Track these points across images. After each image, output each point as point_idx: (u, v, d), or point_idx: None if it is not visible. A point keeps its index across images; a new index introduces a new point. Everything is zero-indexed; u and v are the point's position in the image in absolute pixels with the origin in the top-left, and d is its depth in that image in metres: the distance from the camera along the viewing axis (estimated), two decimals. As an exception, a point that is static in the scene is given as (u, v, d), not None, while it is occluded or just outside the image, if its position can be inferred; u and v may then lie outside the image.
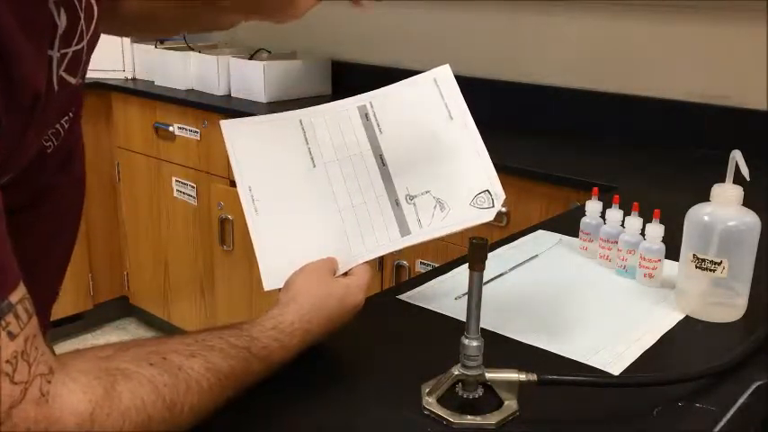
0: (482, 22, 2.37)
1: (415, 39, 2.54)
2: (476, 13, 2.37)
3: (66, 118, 0.69)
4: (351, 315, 0.80)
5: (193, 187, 2.59)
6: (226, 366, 0.65)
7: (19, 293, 0.51)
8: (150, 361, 0.59)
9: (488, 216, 0.82)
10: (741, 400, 0.75)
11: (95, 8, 0.69)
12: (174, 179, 2.66)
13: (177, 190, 2.65)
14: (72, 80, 0.66)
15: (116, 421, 0.54)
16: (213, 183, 2.50)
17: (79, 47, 0.66)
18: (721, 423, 0.71)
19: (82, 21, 0.65)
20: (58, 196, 0.73)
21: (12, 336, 0.49)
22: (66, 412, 0.52)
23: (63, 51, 0.63)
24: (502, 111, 2.29)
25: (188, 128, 2.56)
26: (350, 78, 2.67)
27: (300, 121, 0.90)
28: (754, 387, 0.77)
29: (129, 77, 2.88)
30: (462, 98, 0.89)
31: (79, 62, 0.67)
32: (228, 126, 0.89)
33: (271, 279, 0.83)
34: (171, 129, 2.61)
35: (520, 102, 2.29)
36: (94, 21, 0.69)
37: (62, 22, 0.61)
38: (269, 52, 2.77)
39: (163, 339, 0.64)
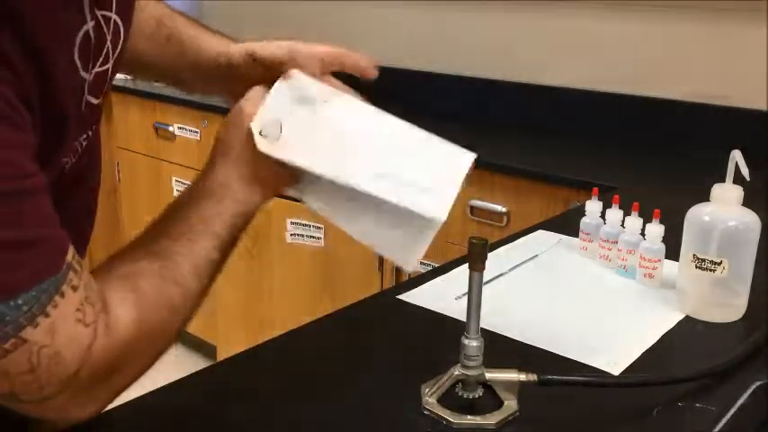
0: (482, 22, 2.36)
1: (415, 39, 2.54)
2: (476, 12, 2.37)
3: (85, 135, 0.70)
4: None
5: (193, 187, 2.59)
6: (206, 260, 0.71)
7: (71, 251, 0.58)
8: (146, 254, 0.68)
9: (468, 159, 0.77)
10: (741, 400, 0.75)
11: (122, 30, 0.70)
12: (174, 179, 2.66)
13: (177, 190, 2.65)
14: (95, 101, 0.68)
15: (154, 312, 0.63)
16: (213, 183, 2.50)
17: (104, 68, 0.68)
18: (721, 423, 0.71)
19: (108, 42, 0.67)
20: (71, 206, 0.74)
21: (75, 289, 0.57)
22: (125, 329, 0.60)
23: (91, 71, 0.65)
24: (502, 111, 2.30)
25: (188, 128, 2.56)
26: (350, 78, 2.66)
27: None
28: (754, 387, 0.77)
29: (129, 77, 2.88)
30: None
31: (104, 84, 0.69)
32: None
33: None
34: (171, 129, 2.61)
35: (520, 102, 2.29)
36: (121, 43, 0.70)
37: (97, 47, 0.65)
38: (269, 52, 2.77)
39: (153, 235, 0.72)
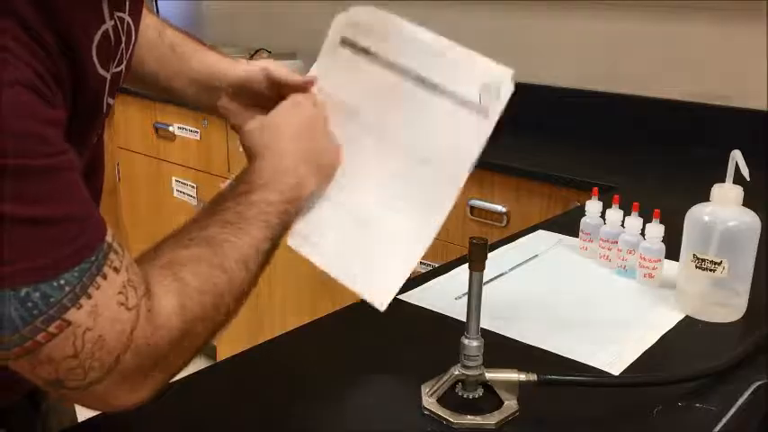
0: (482, 22, 2.36)
1: (415, 39, 2.53)
2: (476, 13, 2.37)
3: (95, 135, 0.71)
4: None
5: (193, 187, 2.59)
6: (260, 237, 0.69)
7: (110, 232, 0.57)
8: (191, 242, 0.66)
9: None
10: (741, 400, 0.75)
11: (134, 32, 0.71)
12: (173, 179, 2.66)
13: (177, 190, 2.65)
14: (111, 101, 0.69)
15: (198, 300, 0.62)
16: (213, 182, 2.50)
17: (118, 69, 0.68)
18: (721, 423, 0.71)
19: (123, 44, 0.68)
20: None
21: (117, 270, 0.56)
22: (168, 315, 0.59)
23: (109, 71, 0.65)
24: (502, 111, 2.29)
25: (188, 128, 2.56)
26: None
27: None
28: (754, 387, 0.77)
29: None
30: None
31: (117, 85, 0.69)
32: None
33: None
34: (171, 129, 2.61)
35: (520, 102, 2.28)
36: (132, 44, 0.71)
37: (114, 46, 0.65)
38: (269, 52, 2.77)
39: (199, 224, 0.68)
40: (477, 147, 0.75)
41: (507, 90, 0.76)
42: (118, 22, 0.65)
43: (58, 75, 0.55)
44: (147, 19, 0.88)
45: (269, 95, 0.85)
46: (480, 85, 0.76)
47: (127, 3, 0.68)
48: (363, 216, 0.79)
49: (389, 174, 0.79)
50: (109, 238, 0.57)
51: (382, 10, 0.81)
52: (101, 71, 0.63)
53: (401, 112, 0.79)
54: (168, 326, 0.59)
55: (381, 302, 0.76)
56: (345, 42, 0.83)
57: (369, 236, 0.78)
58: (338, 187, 0.80)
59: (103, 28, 0.62)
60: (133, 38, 0.71)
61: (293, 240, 0.80)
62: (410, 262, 0.76)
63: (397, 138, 0.79)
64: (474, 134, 0.75)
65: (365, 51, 0.82)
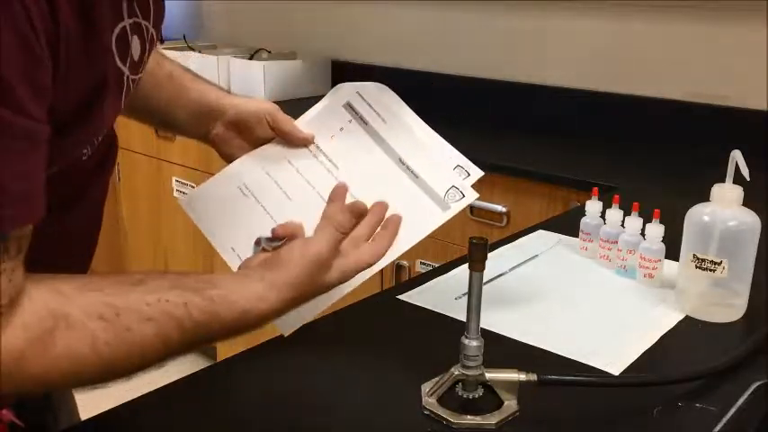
0: (482, 22, 2.36)
1: (415, 39, 2.54)
2: (476, 13, 2.37)
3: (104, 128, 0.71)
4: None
5: (193, 187, 2.59)
6: (177, 339, 0.62)
7: (19, 234, 0.53)
8: (102, 314, 0.58)
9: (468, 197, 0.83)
10: (741, 400, 0.75)
11: (155, 40, 0.71)
12: (174, 179, 2.66)
13: (177, 190, 2.65)
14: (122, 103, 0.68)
15: (44, 366, 0.55)
16: (213, 183, 2.50)
17: (137, 76, 0.68)
18: (721, 423, 0.71)
19: (147, 52, 0.68)
20: (86, 197, 0.75)
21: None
22: (2, 345, 0.53)
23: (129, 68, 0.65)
24: (502, 111, 2.30)
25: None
26: (350, 78, 2.66)
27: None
28: (753, 387, 0.77)
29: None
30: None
31: (131, 89, 0.69)
32: (185, 202, 0.90)
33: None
34: (171, 129, 2.61)
35: (520, 102, 2.29)
36: (149, 53, 0.71)
37: (134, 48, 0.65)
38: (269, 52, 2.77)
39: (126, 288, 0.61)
40: (427, 232, 0.80)
41: (471, 195, 0.83)
42: (144, 29, 0.66)
43: (55, 40, 0.53)
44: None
45: (265, 136, 0.90)
46: (450, 185, 0.83)
47: (151, 12, 0.67)
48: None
49: None
50: (10, 235, 0.52)
51: (391, 92, 0.90)
52: (119, 64, 0.62)
53: (375, 181, 0.84)
54: (7, 346, 0.53)
55: (285, 330, 0.79)
56: (349, 107, 0.90)
57: None
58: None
59: (122, 24, 0.62)
60: (154, 46, 0.71)
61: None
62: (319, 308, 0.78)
63: (362, 197, 0.81)
64: (429, 221, 0.81)
65: (363, 121, 0.89)
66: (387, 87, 0.90)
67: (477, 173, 0.85)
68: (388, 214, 0.80)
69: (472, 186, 0.84)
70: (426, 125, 0.88)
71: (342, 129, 0.89)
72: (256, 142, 0.90)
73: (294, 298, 0.70)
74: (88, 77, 0.59)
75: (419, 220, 0.81)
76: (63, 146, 0.59)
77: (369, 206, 0.80)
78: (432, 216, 0.81)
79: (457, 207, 0.82)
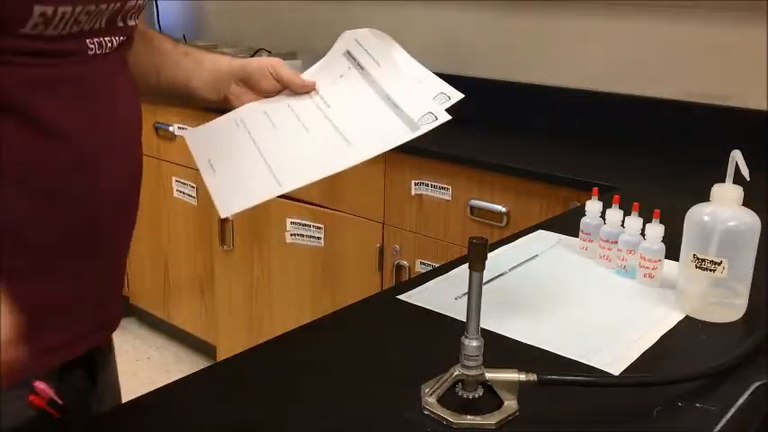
0: (482, 22, 2.36)
1: (415, 39, 2.53)
2: (475, 13, 2.37)
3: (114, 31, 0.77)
4: None
5: (193, 187, 2.59)
6: None
7: None
8: None
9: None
10: (741, 400, 0.75)
11: None
12: (174, 179, 2.66)
13: (177, 190, 2.65)
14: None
15: None
16: (213, 183, 2.50)
17: None
18: (721, 423, 0.71)
19: None
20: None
21: None
22: None
23: None
24: (502, 111, 2.29)
25: (188, 128, 2.55)
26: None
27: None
28: (753, 387, 0.77)
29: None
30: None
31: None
32: (187, 133, 0.99)
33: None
34: (171, 129, 2.61)
35: (520, 102, 2.29)
36: None
37: None
38: (269, 52, 2.77)
39: None
40: (392, 144, 0.86)
41: (444, 117, 0.86)
42: None
43: None
44: (163, 37, 1.02)
45: (270, 88, 0.99)
46: (426, 111, 0.87)
47: None
48: (265, 149, 0.91)
49: (313, 136, 0.92)
50: None
51: (386, 36, 0.98)
52: None
53: (357, 112, 0.92)
54: None
55: (222, 211, 0.86)
56: (349, 54, 0.99)
57: (257, 161, 0.90)
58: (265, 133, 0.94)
59: None
60: None
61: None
62: (262, 196, 0.85)
63: (343, 126, 0.90)
64: (396, 137, 0.86)
65: (360, 67, 0.97)
66: (382, 33, 0.99)
67: (457, 96, 0.88)
68: (358, 127, 0.89)
69: (448, 110, 0.87)
70: (416, 61, 0.94)
71: (341, 75, 0.98)
72: (266, 95, 1.00)
73: None
74: None
75: (386, 133, 0.87)
76: None
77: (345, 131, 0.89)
78: (401, 134, 0.86)
79: (427, 128, 0.85)
